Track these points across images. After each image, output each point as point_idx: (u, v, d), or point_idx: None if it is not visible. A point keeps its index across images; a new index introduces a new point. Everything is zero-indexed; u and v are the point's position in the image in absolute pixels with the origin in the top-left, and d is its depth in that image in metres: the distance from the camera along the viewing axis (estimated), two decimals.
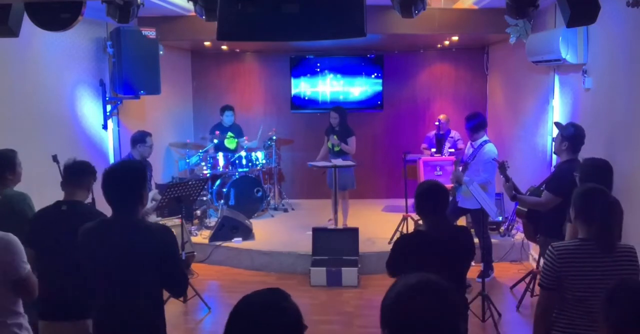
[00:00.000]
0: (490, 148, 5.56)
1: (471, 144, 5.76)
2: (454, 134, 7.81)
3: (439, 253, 2.95)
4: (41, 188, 4.17)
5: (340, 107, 7.41)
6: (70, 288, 3.00)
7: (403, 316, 1.40)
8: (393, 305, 1.42)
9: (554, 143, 4.64)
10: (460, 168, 5.81)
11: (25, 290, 2.66)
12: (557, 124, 4.67)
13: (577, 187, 2.79)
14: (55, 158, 4.24)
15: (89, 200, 4.83)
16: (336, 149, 7.00)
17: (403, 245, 3.11)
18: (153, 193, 5.51)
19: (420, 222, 3.22)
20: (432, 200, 3.04)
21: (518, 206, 4.96)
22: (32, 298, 2.71)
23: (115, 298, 2.57)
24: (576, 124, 4.45)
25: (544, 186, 4.51)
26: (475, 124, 5.65)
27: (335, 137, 6.93)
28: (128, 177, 2.61)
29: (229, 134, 7.83)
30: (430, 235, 3.05)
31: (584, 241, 2.60)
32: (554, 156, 5.42)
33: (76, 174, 3.20)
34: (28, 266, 2.64)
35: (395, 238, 6.51)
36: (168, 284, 2.64)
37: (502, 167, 4.99)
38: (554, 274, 2.58)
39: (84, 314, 3.04)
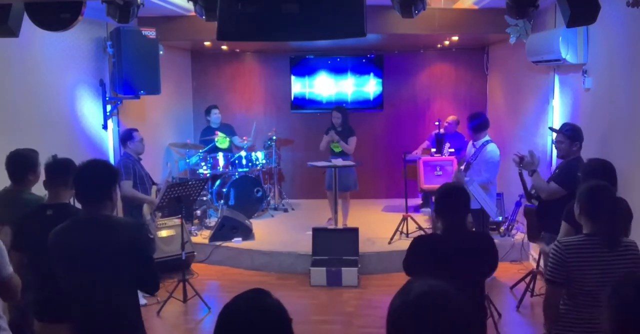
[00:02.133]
0: (493, 148, 5.57)
1: (473, 144, 5.76)
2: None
3: (451, 256, 2.86)
4: (41, 188, 4.16)
5: (342, 106, 7.44)
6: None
7: (410, 324, 1.38)
8: (401, 312, 1.40)
9: (557, 148, 4.54)
10: (462, 167, 5.82)
11: (6, 292, 2.64)
12: (552, 128, 4.64)
13: (582, 185, 2.84)
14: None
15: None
16: (337, 150, 7.00)
17: (416, 246, 3.04)
18: (155, 188, 5.57)
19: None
20: (450, 202, 2.97)
21: (527, 206, 4.95)
22: (14, 299, 2.68)
23: (90, 297, 2.57)
24: (571, 123, 4.45)
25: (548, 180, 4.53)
26: (478, 123, 5.66)
27: (336, 143, 6.94)
28: (94, 174, 2.63)
29: (220, 134, 7.82)
30: (444, 238, 2.98)
31: (589, 236, 2.67)
32: (554, 157, 5.42)
33: (61, 172, 3.15)
34: (10, 268, 2.62)
35: (395, 238, 6.53)
36: (139, 280, 2.63)
37: (522, 160, 4.95)
38: (562, 268, 2.64)
39: None
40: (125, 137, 5.58)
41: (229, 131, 7.96)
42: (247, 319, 1.54)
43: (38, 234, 2.99)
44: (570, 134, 4.35)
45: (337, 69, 8.77)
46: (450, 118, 7.88)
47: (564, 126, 4.56)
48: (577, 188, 3.68)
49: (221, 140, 7.79)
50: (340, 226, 6.75)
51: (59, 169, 3.15)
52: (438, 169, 6.84)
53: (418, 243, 3.08)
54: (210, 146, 7.61)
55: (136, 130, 5.62)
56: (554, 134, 4.64)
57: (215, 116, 7.84)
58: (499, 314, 4.88)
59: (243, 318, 1.54)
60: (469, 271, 2.86)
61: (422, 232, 6.51)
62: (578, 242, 2.66)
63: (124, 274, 2.56)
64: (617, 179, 3.53)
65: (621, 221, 2.69)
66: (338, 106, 7.62)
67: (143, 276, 2.63)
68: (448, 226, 2.96)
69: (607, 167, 3.46)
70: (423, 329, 1.36)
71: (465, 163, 5.77)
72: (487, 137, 5.68)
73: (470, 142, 5.90)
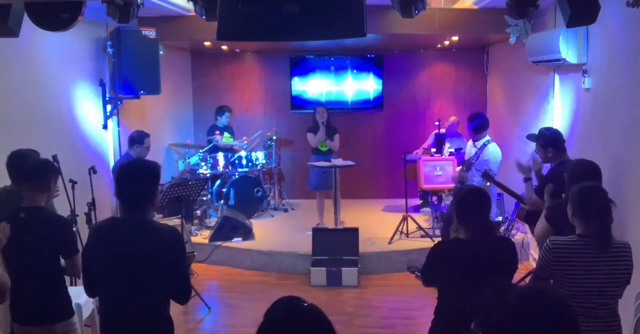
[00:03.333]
0: (494, 148, 5.58)
1: (473, 144, 5.76)
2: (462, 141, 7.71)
3: (474, 265, 2.76)
4: None
5: (324, 106, 7.47)
6: (38, 294, 3.00)
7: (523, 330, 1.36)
8: (509, 318, 1.38)
9: (538, 155, 4.46)
10: (460, 168, 5.82)
11: None
12: (529, 136, 4.57)
13: (575, 185, 2.79)
14: (55, 158, 4.23)
15: (88, 200, 4.87)
16: (324, 148, 7.01)
17: (438, 253, 2.92)
18: None
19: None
20: (471, 206, 2.85)
21: (519, 207, 4.96)
22: (3, 299, 2.65)
23: (122, 299, 2.53)
24: (548, 128, 4.40)
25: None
26: (479, 123, 5.67)
27: (323, 142, 7.00)
28: (142, 176, 2.57)
29: (226, 134, 7.84)
30: (468, 244, 2.84)
31: (581, 237, 2.66)
32: None
33: (35, 176, 3.08)
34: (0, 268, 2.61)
35: (395, 238, 6.53)
36: (173, 288, 2.58)
37: (486, 176, 5.00)
38: (546, 267, 2.69)
39: (52, 320, 3.04)
40: (136, 140, 5.53)
41: (231, 133, 7.99)
42: (290, 328, 1.52)
43: (11, 237, 2.99)
44: (541, 143, 4.23)
45: (337, 69, 8.77)
46: (452, 119, 7.87)
47: (538, 132, 4.45)
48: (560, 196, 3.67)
49: (227, 138, 7.83)
50: (338, 224, 6.77)
51: (34, 172, 3.10)
52: (438, 169, 6.84)
53: (438, 249, 2.95)
54: (212, 144, 7.63)
55: (148, 136, 5.57)
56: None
57: (227, 119, 7.93)
58: None
59: (285, 327, 1.53)
60: (490, 276, 2.66)
61: (422, 232, 6.51)
62: (568, 243, 2.65)
63: (160, 278, 2.51)
64: (615, 179, 3.51)
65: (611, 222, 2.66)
66: (321, 104, 7.65)
67: (178, 283, 2.58)
68: (470, 231, 2.85)
69: (591, 169, 3.35)
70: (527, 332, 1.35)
71: (466, 163, 5.75)
72: (487, 137, 5.69)
73: (470, 142, 5.90)
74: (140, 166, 2.69)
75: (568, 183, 3.26)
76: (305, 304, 1.57)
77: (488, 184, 5.25)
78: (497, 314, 1.40)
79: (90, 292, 2.72)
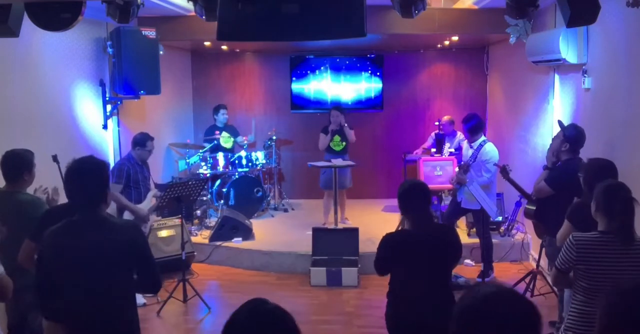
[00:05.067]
0: (491, 148, 5.58)
1: (470, 145, 5.76)
2: (460, 136, 7.73)
3: (423, 251, 3.03)
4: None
5: (339, 105, 7.48)
6: None
7: (478, 324, 1.37)
8: (469, 311, 1.39)
9: (551, 142, 4.63)
10: (457, 169, 5.82)
11: None
12: (560, 123, 4.67)
13: (599, 183, 2.86)
14: (55, 158, 4.24)
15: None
16: (338, 148, 7.04)
17: (388, 244, 3.15)
18: (153, 192, 5.51)
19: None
20: (414, 199, 3.11)
21: (527, 206, 4.97)
22: (4, 299, 2.63)
23: (87, 300, 2.51)
24: (578, 127, 4.45)
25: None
26: (474, 124, 5.68)
27: (338, 138, 7.04)
28: (88, 175, 2.57)
29: (224, 133, 7.83)
30: (414, 234, 3.12)
31: (604, 233, 2.73)
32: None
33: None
34: (1, 268, 2.59)
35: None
36: (140, 281, 2.60)
37: (504, 171, 5.04)
38: (569, 261, 2.74)
39: None
40: (138, 142, 5.47)
41: (232, 132, 7.97)
42: (248, 327, 1.52)
43: None
44: (566, 133, 4.39)
45: (337, 69, 8.77)
46: (445, 118, 7.82)
47: (568, 125, 4.59)
48: (567, 189, 3.75)
49: (225, 139, 7.81)
50: (340, 222, 6.76)
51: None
52: (438, 169, 6.84)
53: (387, 241, 3.17)
54: (211, 144, 7.62)
55: (152, 139, 5.49)
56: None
57: (223, 116, 7.89)
58: None
59: (247, 330, 1.52)
60: (437, 263, 3.05)
61: None
62: (591, 238, 2.71)
63: (122, 275, 2.52)
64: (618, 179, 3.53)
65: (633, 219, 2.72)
66: (336, 105, 7.66)
67: (142, 278, 2.60)
68: (414, 222, 3.13)
69: (608, 168, 3.44)
70: (490, 330, 1.36)
71: (463, 165, 5.74)
72: (483, 138, 5.71)
73: (466, 144, 5.91)
74: (87, 165, 2.65)
75: (585, 181, 3.41)
76: (269, 306, 1.57)
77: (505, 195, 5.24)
78: (461, 306, 1.43)
79: (48, 296, 2.65)
